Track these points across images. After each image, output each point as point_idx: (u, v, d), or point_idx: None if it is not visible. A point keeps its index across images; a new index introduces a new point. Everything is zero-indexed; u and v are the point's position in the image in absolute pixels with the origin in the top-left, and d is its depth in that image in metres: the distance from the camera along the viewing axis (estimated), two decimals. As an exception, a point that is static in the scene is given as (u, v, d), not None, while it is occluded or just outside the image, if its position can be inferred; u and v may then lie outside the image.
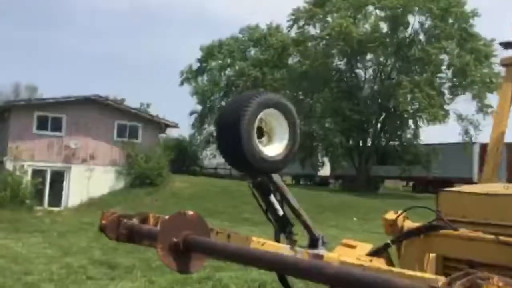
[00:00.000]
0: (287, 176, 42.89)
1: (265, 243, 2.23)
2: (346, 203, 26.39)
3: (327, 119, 38.99)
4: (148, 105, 41.78)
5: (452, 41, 35.74)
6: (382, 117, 38.97)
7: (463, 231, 2.38)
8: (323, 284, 1.27)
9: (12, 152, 23.80)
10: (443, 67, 37.00)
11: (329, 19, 38.65)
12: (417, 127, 37.89)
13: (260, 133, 2.44)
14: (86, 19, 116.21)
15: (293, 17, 40.15)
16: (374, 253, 2.53)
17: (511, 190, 2.60)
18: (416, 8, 36.19)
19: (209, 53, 48.70)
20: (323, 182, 44.92)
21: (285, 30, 44.05)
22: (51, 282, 8.80)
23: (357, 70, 40.66)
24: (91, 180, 25.15)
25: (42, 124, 24.96)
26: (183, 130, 67.07)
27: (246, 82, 43.25)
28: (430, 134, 67.44)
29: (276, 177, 2.60)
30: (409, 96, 34.54)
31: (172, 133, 40.56)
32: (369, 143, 39.21)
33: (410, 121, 38.09)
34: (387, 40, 37.19)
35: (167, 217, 1.66)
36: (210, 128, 47.08)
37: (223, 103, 46.02)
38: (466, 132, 36.39)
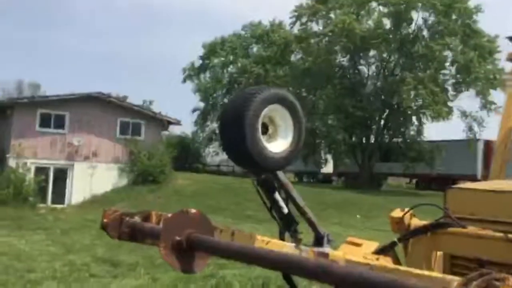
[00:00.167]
0: (290, 173, 42.87)
1: (269, 241, 2.19)
2: (349, 200, 26.35)
3: (330, 116, 38.90)
4: (150, 102, 41.81)
5: (455, 37, 35.59)
6: (385, 114, 38.85)
7: (472, 228, 2.33)
8: (328, 284, 1.23)
9: (15, 150, 23.83)
10: (447, 64, 36.87)
11: (332, 15, 38.53)
12: (420, 124, 37.81)
13: (265, 129, 2.40)
14: (87, 17, 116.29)
15: (296, 13, 40.04)
16: (380, 251, 2.49)
17: None
18: (420, 4, 36.03)
19: (211, 50, 48.63)
20: (326, 179, 44.88)
21: (287, 27, 43.94)
22: (54, 280, 8.79)
23: (360, 67, 40.54)
24: (94, 177, 25.18)
25: (45, 121, 24.99)
26: (186, 127, 67.08)
27: (249, 79, 43.17)
28: (434, 131, 67.29)
29: (280, 174, 2.56)
30: (412, 92, 34.43)
31: (174, 130, 40.65)
32: (372, 140, 39.12)
33: (414, 118, 37.96)
34: (390, 36, 37.06)
35: (169, 215, 1.62)
36: (212, 125, 47.07)
37: (225, 100, 45.98)
38: (470, 128, 36.30)
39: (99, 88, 32.18)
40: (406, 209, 2.58)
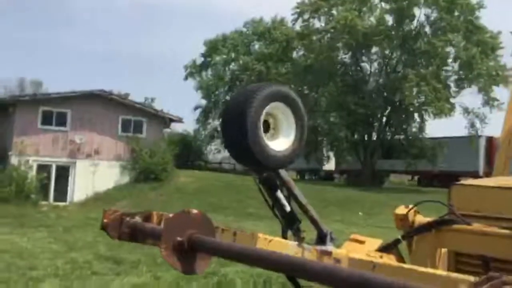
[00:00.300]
0: (292, 170, 42.83)
1: (272, 240, 2.17)
2: (351, 197, 26.33)
3: (332, 113, 38.86)
4: (152, 100, 41.92)
5: (458, 33, 35.47)
6: (387, 111, 38.78)
7: (477, 225, 2.30)
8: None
9: (17, 147, 23.86)
10: (449, 60, 36.76)
11: (334, 12, 38.42)
12: (422, 120, 37.73)
13: (266, 127, 2.37)
14: (88, 15, 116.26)
15: (298, 10, 39.93)
16: (384, 249, 2.46)
17: None
18: (422, 0, 35.92)
19: (213, 47, 48.58)
20: (328, 177, 44.84)
21: (289, 24, 43.84)
22: (56, 277, 8.79)
23: (362, 64, 40.46)
24: (96, 175, 25.19)
25: (47, 119, 25.01)
26: (188, 125, 67.12)
27: (251, 76, 43.11)
28: (436, 128, 67.18)
29: (282, 172, 2.53)
30: (415, 89, 34.33)
31: (176, 128, 40.65)
32: (374, 137, 39.06)
33: (416, 115, 37.89)
34: (393, 33, 36.95)
35: (171, 215, 1.60)
36: (214, 123, 47.07)
37: (227, 98, 45.93)
38: (472, 125, 36.23)
39: (100, 86, 32.17)
40: (410, 206, 2.55)
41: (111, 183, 25.54)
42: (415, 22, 37.29)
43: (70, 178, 25.16)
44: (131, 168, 26.38)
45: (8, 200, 20.69)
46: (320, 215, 2.71)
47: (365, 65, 40.55)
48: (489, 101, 34.89)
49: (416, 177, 43.35)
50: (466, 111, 36.23)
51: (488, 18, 50.31)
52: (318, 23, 39.96)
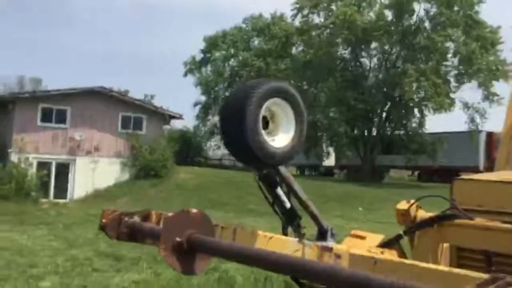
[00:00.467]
0: (292, 166, 42.81)
1: (272, 237, 2.14)
2: (351, 193, 26.33)
3: (332, 109, 38.79)
4: (152, 97, 41.79)
5: (457, 28, 35.37)
6: (387, 106, 38.71)
7: (479, 220, 2.28)
8: None
9: (17, 144, 23.84)
10: (449, 55, 36.66)
11: (333, 7, 38.29)
12: (422, 116, 37.65)
13: (266, 123, 2.34)
14: (88, 12, 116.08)
15: (297, 5, 39.80)
16: (385, 245, 2.44)
17: None
18: (421, -5, 35.83)
19: (212, 43, 48.49)
20: (328, 172, 44.84)
21: (289, 19, 43.72)
22: (57, 275, 8.79)
23: (361, 59, 40.36)
24: (96, 172, 25.19)
25: (47, 116, 24.99)
26: (188, 121, 67.05)
27: (250, 72, 43.03)
28: (436, 123, 67.18)
29: (282, 168, 2.51)
30: (414, 84, 34.25)
31: (176, 124, 40.62)
32: (374, 132, 39.02)
33: (416, 110, 37.83)
34: (392, 28, 36.85)
35: (170, 214, 1.58)
36: (214, 119, 47.00)
37: (227, 94, 45.89)
38: (472, 120, 36.16)
39: (100, 82, 32.10)
40: (412, 201, 2.53)
41: (111, 180, 25.54)
42: (414, 17, 37.21)
43: (70, 175, 25.15)
44: (131, 165, 26.38)
45: (8, 198, 20.68)
46: (320, 210, 2.70)
47: (365, 61, 40.50)
48: (489, 96, 34.82)
49: (416, 173, 43.34)
50: (466, 106, 36.20)
51: (487, 13, 50.24)
52: (317, 19, 39.89)
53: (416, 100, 36.03)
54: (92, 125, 25.62)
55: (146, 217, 2.15)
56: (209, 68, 50.05)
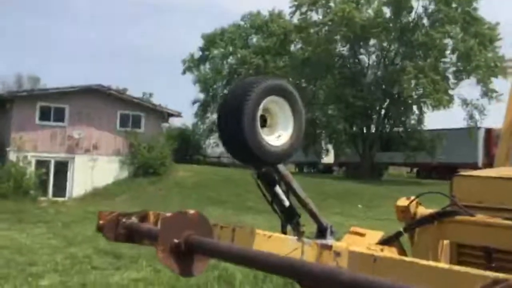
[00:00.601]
0: (290, 163, 42.81)
1: (271, 235, 2.13)
2: (350, 190, 26.35)
3: (330, 106, 38.78)
4: (150, 95, 41.81)
5: (456, 25, 35.36)
6: (386, 103, 38.73)
7: (479, 217, 2.27)
8: None
9: (16, 143, 23.81)
10: (447, 52, 36.68)
11: (331, 4, 38.27)
12: (421, 112, 37.69)
13: (263, 121, 2.32)
14: (86, 8, 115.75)
15: (296, 3, 39.73)
16: (385, 242, 2.43)
17: None
18: (419, -8, 35.80)
19: (211, 41, 48.45)
20: (327, 170, 44.86)
21: (287, 17, 43.68)
22: (56, 273, 8.78)
23: (360, 56, 40.34)
24: (95, 170, 25.17)
25: (45, 114, 24.95)
26: (186, 119, 67.05)
27: (249, 70, 42.99)
28: (435, 119, 67.18)
29: (281, 166, 2.49)
30: (413, 81, 34.28)
31: (175, 122, 40.60)
32: (373, 129, 39.03)
33: (414, 107, 37.86)
34: (391, 25, 36.84)
35: (168, 214, 1.57)
36: (213, 117, 46.98)
37: (226, 91, 45.85)
38: (471, 117, 36.19)
39: (98, 80, 32.05)
40: (412, 198, 2.52)
41: (110, 178, 25.53)
42: (413, 14, 37.20)
43: (68, 174, 25.13)
44: (130, 163, 26.36)
45: (6, 196, 20.67)
46: (319, 208, 2.69)
47: (363, 58, 40.50)
48: (487, 93, 34.85)
49: (414, 169, 43.38)
50: (465, 102, 36.23)
51: (485, 10, 50.27)
52: (315, 16, 39.85)
53: (415, 97, 36.05)
54: (90, 123, 25.59)
55: (143, 217, 2.14)
56: (207, 65, 50.03)
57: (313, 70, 37.94)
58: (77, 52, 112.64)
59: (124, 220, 1.98)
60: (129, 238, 1.91)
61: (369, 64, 40.11)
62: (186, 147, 39.19)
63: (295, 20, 41.35)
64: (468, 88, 37.19)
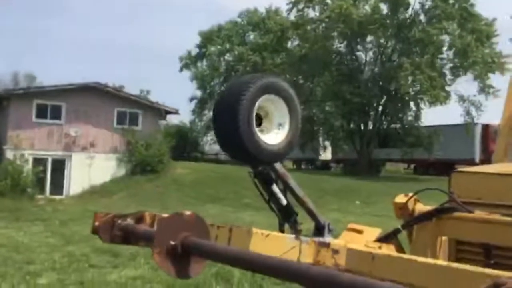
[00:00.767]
0: (288, 160, 42.82)
1: (269, 234, 2.12)
2: (348, 186, 26.36)
3: (328, 103, 38.78)
4: (148, 92, 41.72)
5: (453, 21, 35.36)
6: (383, 100, 38.73)
7: (478, 213, 2.26)
8: None
9: (13, 141, 23.74)
10: (444, 48, 36.67)
11: (328, 1, 38.18)
12: (418, 109, 37.70)
13: (259, 120, 2.30)
14: (83, 5, 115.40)
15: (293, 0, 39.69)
16: (383, 239, 2.42)
17: None
18: (417, -11, 35.75)
19: (208, 38, 48.37)
20: (324, 166, 44.88)
21: (284, 14, 43.60)
22: (54, 271, 8.75)
23: (357, 53, 40.34)
24: (92, 168, 25.11)
25: (42, 112, 24.86)
26: (184, 116, 66.99)
27: (246, 67, 42.95)
28: (432, 116, 67.25)
29: (278, 165, 2.47)
30: (410, 78, 34.28)
31: (172, 119, 40.51)
32: (370, 126, 39.06)
33: (412, 103, 37.88)
34: (388, 21, 36.80)
35: (164, 215, 1.55)
36: (210, 114, 46.83)
37: (222, 89, 45.79)
38: (468, 113, 36.20)
39: (95, 78, 31.92)
40: (410, 195, 2.51)
41: (108, 175, 25.48)
42: (409, 10, 37.17)
43: (66, 171, 25.07)
44: (127, 160, 26.31)
45: (3, 194, 20.61)
46: (316, 204, 2.67)
47: (360, 54, 40.48)
48: (484, 89, 34.85)
49: (411, 166, 43.43)
50: (462, 99, 36.23)
51: (482, 6, 50.32)
52: (312, 13, 39.76)
53: (412, 93, 36.07)
54: (87, 120, 25.52)
55: (139, 219, 2.12)
56: (204, 63, 49.96)
57: (310, 67, 37.91)
58: (74, 50, 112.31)
59: (119, 221, 1.96)
60: (125, 240, 1.90)
61: (366, 60, 40.11)
62: (183, 144, 39.15)
63: (292, 17, 41.29)
64: (465, 84, 37.13)
